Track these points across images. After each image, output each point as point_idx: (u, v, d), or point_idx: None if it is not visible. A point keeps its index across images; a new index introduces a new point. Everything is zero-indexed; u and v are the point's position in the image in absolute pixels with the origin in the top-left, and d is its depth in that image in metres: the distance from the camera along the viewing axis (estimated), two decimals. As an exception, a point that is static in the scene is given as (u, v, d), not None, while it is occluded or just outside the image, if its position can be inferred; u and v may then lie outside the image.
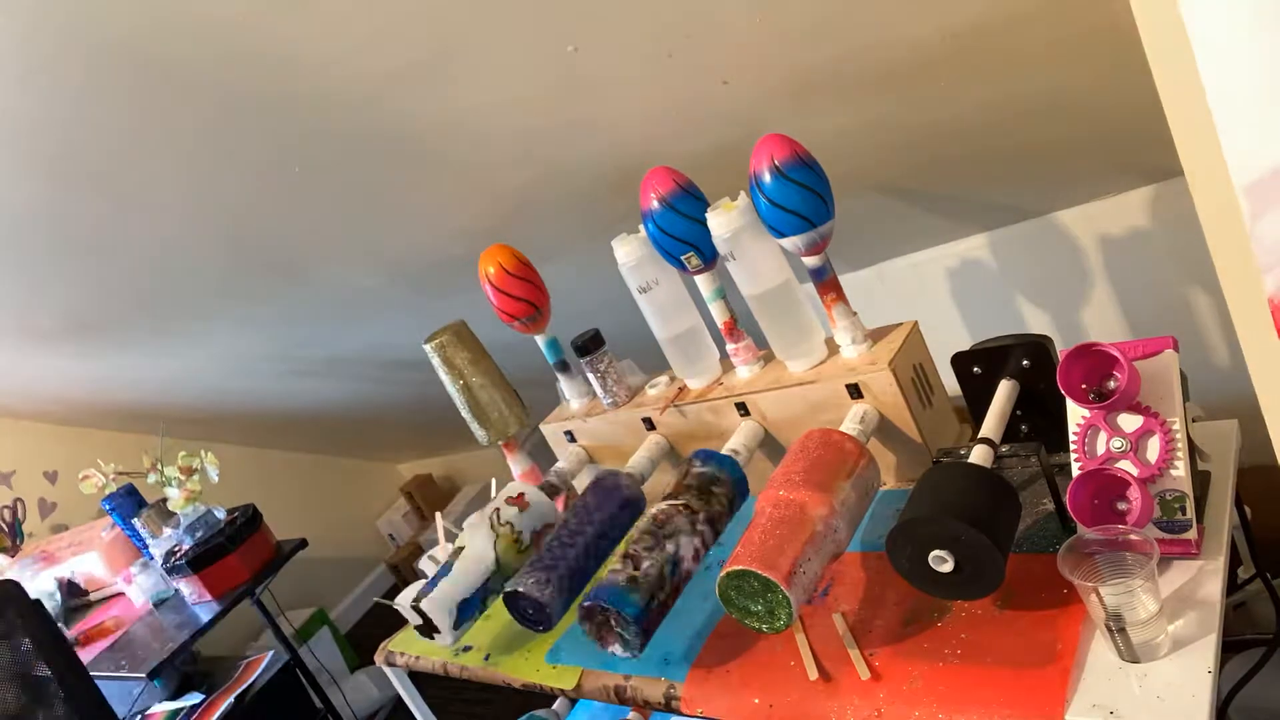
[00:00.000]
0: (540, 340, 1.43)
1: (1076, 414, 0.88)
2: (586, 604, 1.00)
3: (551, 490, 1.33)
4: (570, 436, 1.47)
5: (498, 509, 1.24)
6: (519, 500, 1.25)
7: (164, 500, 2.24)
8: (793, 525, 0.90)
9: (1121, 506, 0.85)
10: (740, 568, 0.88)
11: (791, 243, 1.06)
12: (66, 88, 1.14)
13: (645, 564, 0.99)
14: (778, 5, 1.01)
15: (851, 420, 1.08)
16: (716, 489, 1.08)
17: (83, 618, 2.49)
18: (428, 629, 1.18)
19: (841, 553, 0.94)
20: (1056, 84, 1.17)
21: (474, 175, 1.43)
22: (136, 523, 2.30)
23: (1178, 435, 0.82)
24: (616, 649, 1.01)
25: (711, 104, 1.21)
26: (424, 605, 1.15)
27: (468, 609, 1.17)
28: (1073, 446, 0.87)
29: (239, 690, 2.24)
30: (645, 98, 1.21)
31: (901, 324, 1.15)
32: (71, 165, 1.33)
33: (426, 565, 1.33)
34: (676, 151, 1.29)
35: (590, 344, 1.36)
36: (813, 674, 0.93)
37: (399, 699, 1.51)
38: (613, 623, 0.99)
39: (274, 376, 2.59)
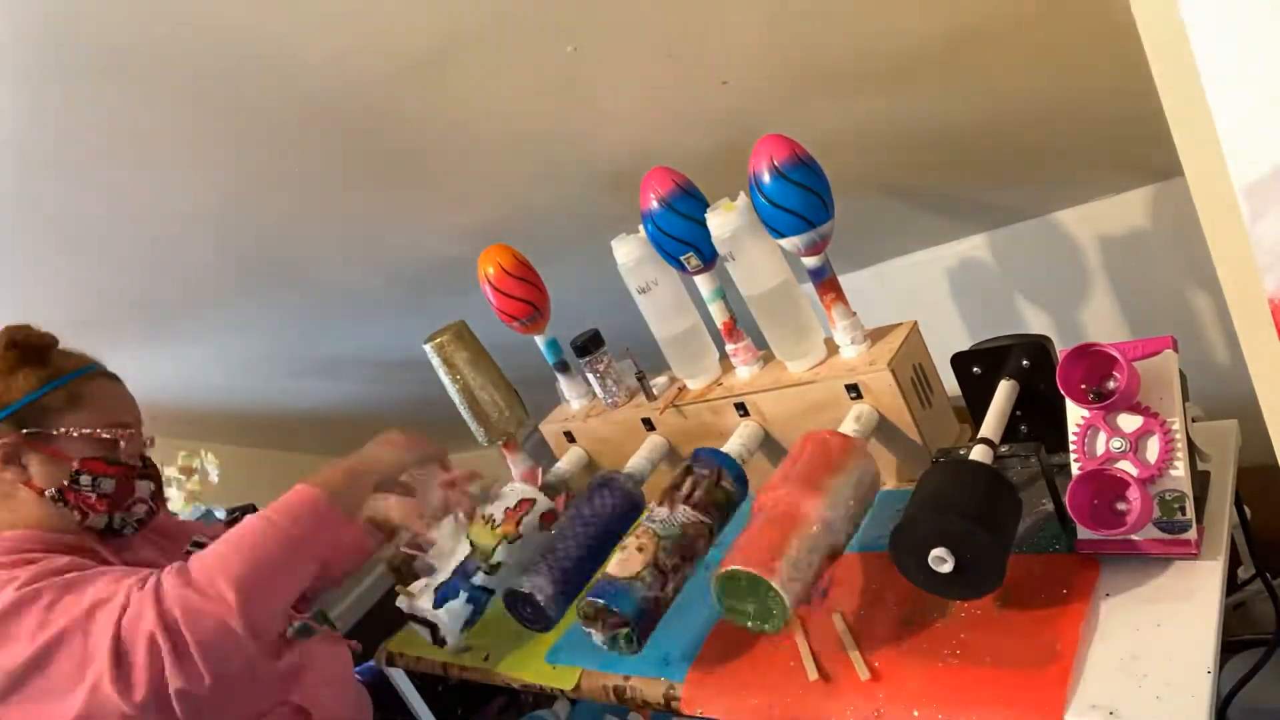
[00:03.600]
0: (540, 340, 1.43)
1: (1076, 414, 0.87)
2: (592, 601, 0.99)
3: (551, 490, 1.33)
4: (570, 437, 1.47)
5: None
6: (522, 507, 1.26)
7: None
8: (783, 523, 0.90)
9: (1121, 507, 0.85)
10: (730, 568, 0.88)
11: (791, 243, 1.06)
12: (66, 87, 1.14)
13: (655, 578, 0.99)
14: (778, 5, 1.01)
15: (851, 421, 1.08)
16: (718, 494, 1.08)
17: (82, 618, 2.49)
18: (432, 633, 1.18)
19: (840, 553, 0.94)
20: (1056, 84, 1.17)
21: (473, 175, 1.43)
22: (136, 523, 2.30)
23: (1177, 435, 0.82)
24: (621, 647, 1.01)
25: (711, 104, 1.21)
26: (438, 615, 1.16)
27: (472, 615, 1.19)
28: (1072, 446, 0.87)
29: (239, 690, 2.24)
30: (645, 98, 1.21)
31: (901, 324, 1.15)
32: (71, 165, 1.33)
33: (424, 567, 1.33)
34: (676, 151, 1.29)
35: (590, 344, 1.36)
36: (812, 674, 0.93)
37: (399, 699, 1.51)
38: (613, 620, 0.98)
39: (274, 376, 2.59)
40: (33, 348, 1.10)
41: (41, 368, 1.09)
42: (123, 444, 1.12)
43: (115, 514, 1.11)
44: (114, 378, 1.16)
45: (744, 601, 0.89)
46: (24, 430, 1.06)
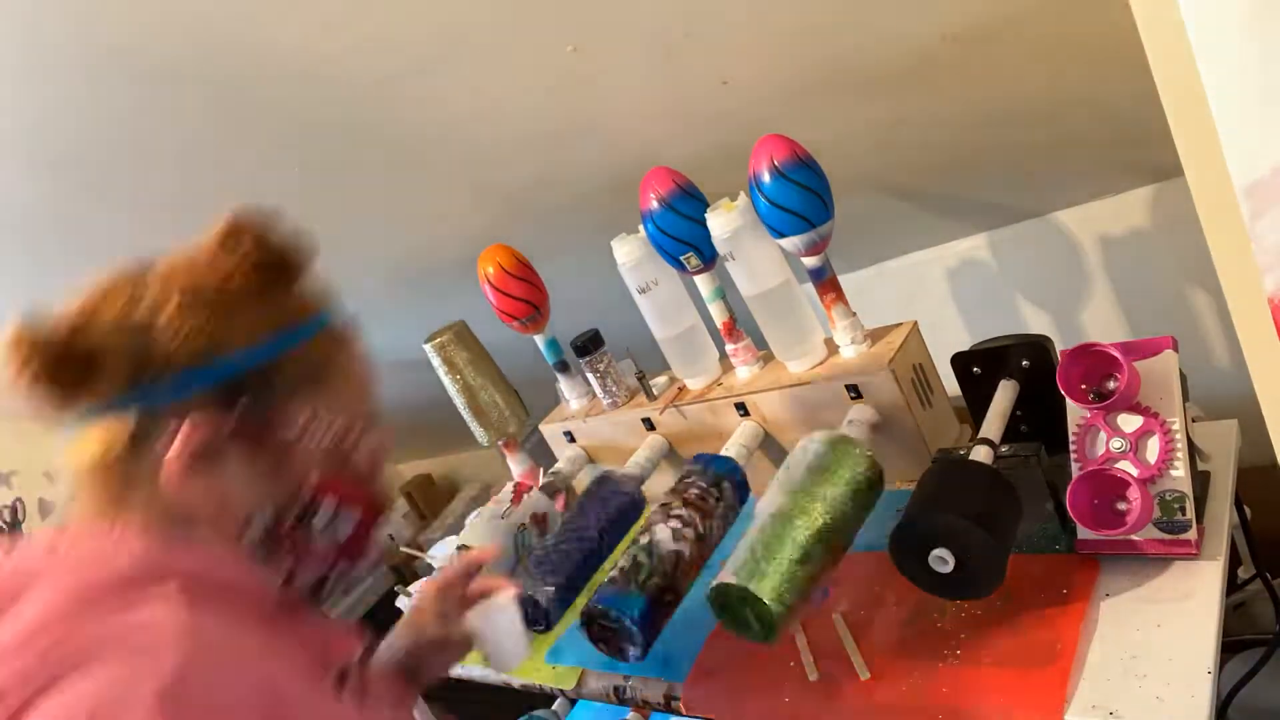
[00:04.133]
0: (540, 340, 1.43)
1: (1076, 414, 0.87)
2: (589, 611, 0.99)
3: (551, 490, 1.33)
4: (570, 436, 1.47)
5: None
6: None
7: (164, 500, 2.23)
8: (777, 533, 0.90)
9: (1121, 507, 0.85)
10: (720, 583, 0.87)
11: (791, 243, 1.06)
12: (66, 89, 1.14)
13: (650, 577, 0.99)
14: (779, 5, 1.01)
15: (851, 421, 1.08)
16: (719, 500, 1.07)
17: (82, 618, 2.48)
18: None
19: (843, 555, 0.94)
20: (1056, 84, 1.17)
21: (474, 175, 1.43)
22: (136, 523, 2.29)
23: (1177, 435, 0.82)
24: (630, 651, 1.00)
25: (711, 104, 1.21)
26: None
27: None
28: (1072, 447, 0.87)
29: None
30: (645, 98, 1.21)
31: (901, 324, 1.15)
32: (71, 166, 1.33)
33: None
34: (676, 152, 1.29)
35: (590, 344, 1.35)
36: (812, 674, 0.93)
37: (399, 699, 1.50)
38: (617, 630, 0.98)
39: (274, 376, 2.59)
40: (287, 261, 0.67)
41: (286, 298, 0.66)
42: (360, 450, 0.69)
43: (340, 571, 0.69)
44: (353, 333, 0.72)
45: (739, 614, 0.89)
46: (241, 402, 0.60)
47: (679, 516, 1.04)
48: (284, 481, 0.64)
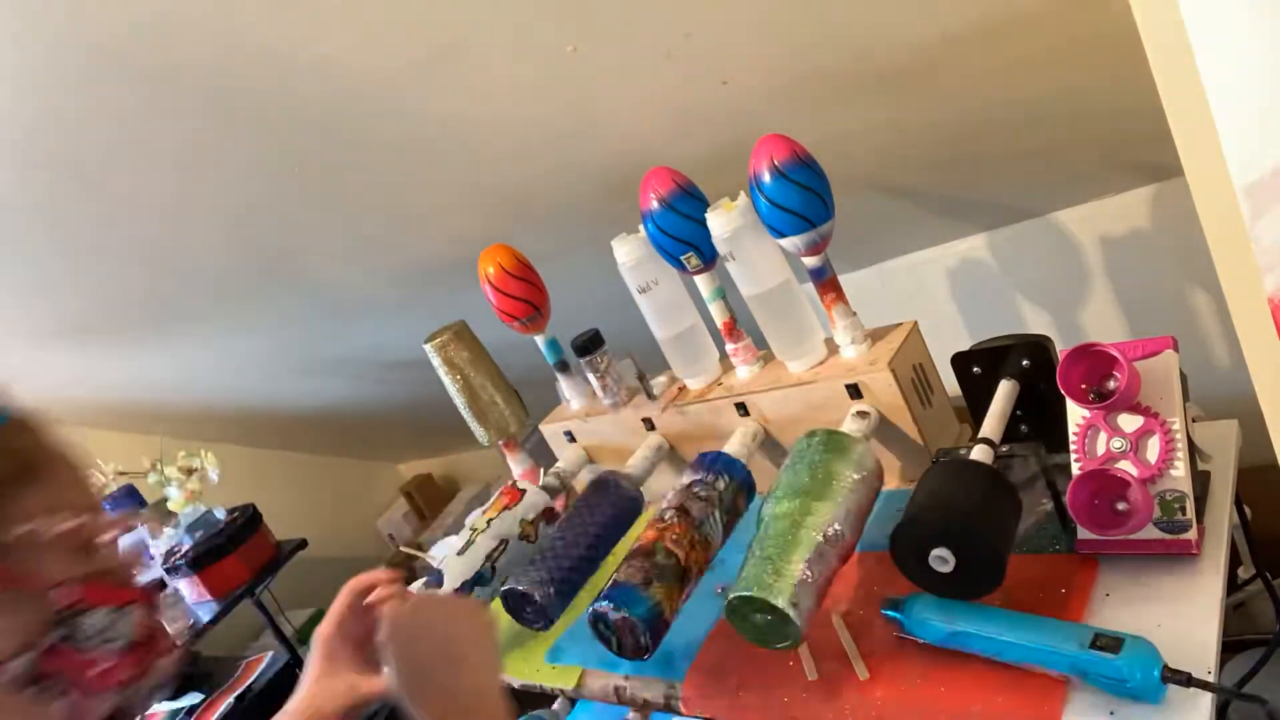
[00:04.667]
0: (540, 340, 1.43)
1: (1076, 414, 0.87)
2: (600, 609, 0.99)
3: (551, 490, 1.33)
4: (570, 436, 1.47)
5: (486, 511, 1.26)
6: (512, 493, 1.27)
7: (164, 500, 2.24)
8: (793, 542, 0.90)
9: (1121, 507, 0.84)
10: (742, 594, 0.87)
11: (791, 243, 1.06)
12: (66, 89, 1.14)
13: (660, 579, 0.99)
14: (779, 6, 1.01)
15: (851, 421, 1.08)
16: (729, 501, 1.07)
17: (82, 618, 2.48)
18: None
19: (850, 556, 0.94)
20: (1056, 84, 1.17)
21: (473, 175, 1.43)
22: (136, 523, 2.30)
23: (1178, 435, 0.82)
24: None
25: (711, 104, 1.21)
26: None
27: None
28: (1073, 446, 0.87)
29: (239, 690, 2.25)
30: (644, 98, 1.21)
31: (901, 324, 1.15)
32: (72, 166, 1.33)
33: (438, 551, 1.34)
34: (676, 152, 1.29)
35: (590, 344, 1.35)
36: (812, 674, 0.93)
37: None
38: (628, 629, 0.98)
39: (273, 376, 2.59)
40: None
41: None
42: (104, 546, 0.61)
43: (138, 687, 0.60)
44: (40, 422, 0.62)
45: (755, 620, 0.88)
46: None
47: (685, 515, 1.04)
48: (25, 608, 0.54)
